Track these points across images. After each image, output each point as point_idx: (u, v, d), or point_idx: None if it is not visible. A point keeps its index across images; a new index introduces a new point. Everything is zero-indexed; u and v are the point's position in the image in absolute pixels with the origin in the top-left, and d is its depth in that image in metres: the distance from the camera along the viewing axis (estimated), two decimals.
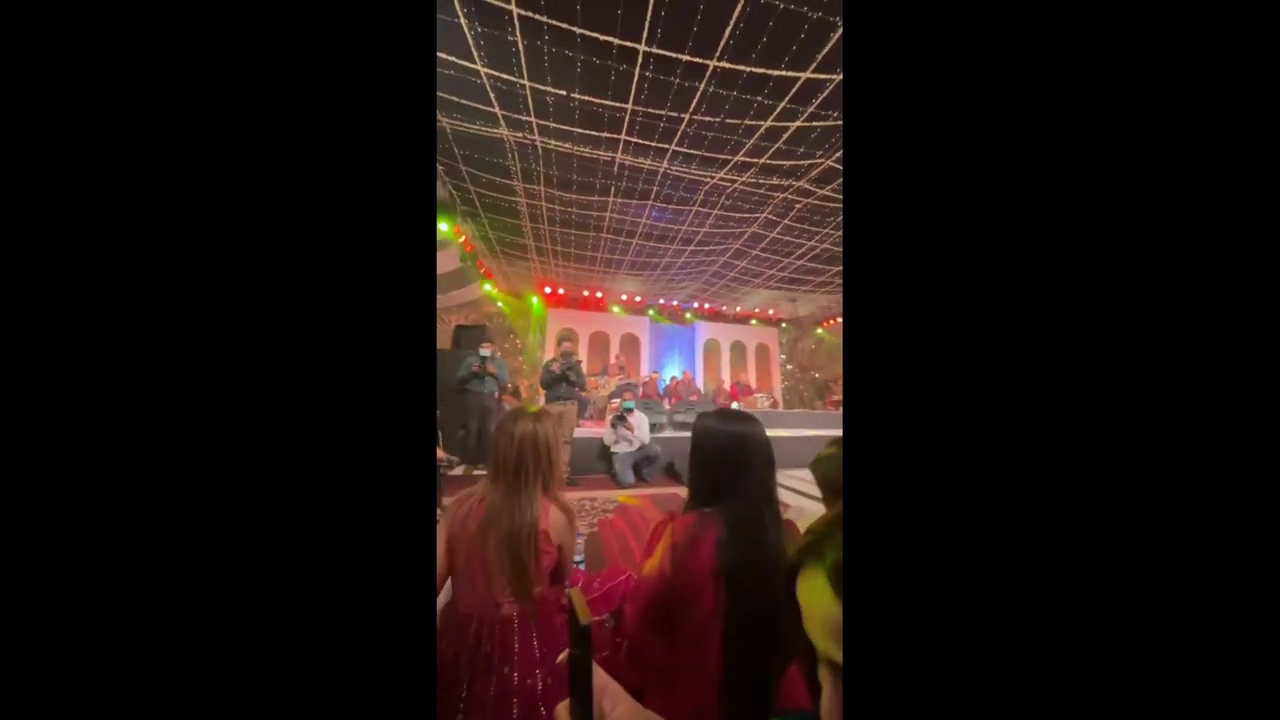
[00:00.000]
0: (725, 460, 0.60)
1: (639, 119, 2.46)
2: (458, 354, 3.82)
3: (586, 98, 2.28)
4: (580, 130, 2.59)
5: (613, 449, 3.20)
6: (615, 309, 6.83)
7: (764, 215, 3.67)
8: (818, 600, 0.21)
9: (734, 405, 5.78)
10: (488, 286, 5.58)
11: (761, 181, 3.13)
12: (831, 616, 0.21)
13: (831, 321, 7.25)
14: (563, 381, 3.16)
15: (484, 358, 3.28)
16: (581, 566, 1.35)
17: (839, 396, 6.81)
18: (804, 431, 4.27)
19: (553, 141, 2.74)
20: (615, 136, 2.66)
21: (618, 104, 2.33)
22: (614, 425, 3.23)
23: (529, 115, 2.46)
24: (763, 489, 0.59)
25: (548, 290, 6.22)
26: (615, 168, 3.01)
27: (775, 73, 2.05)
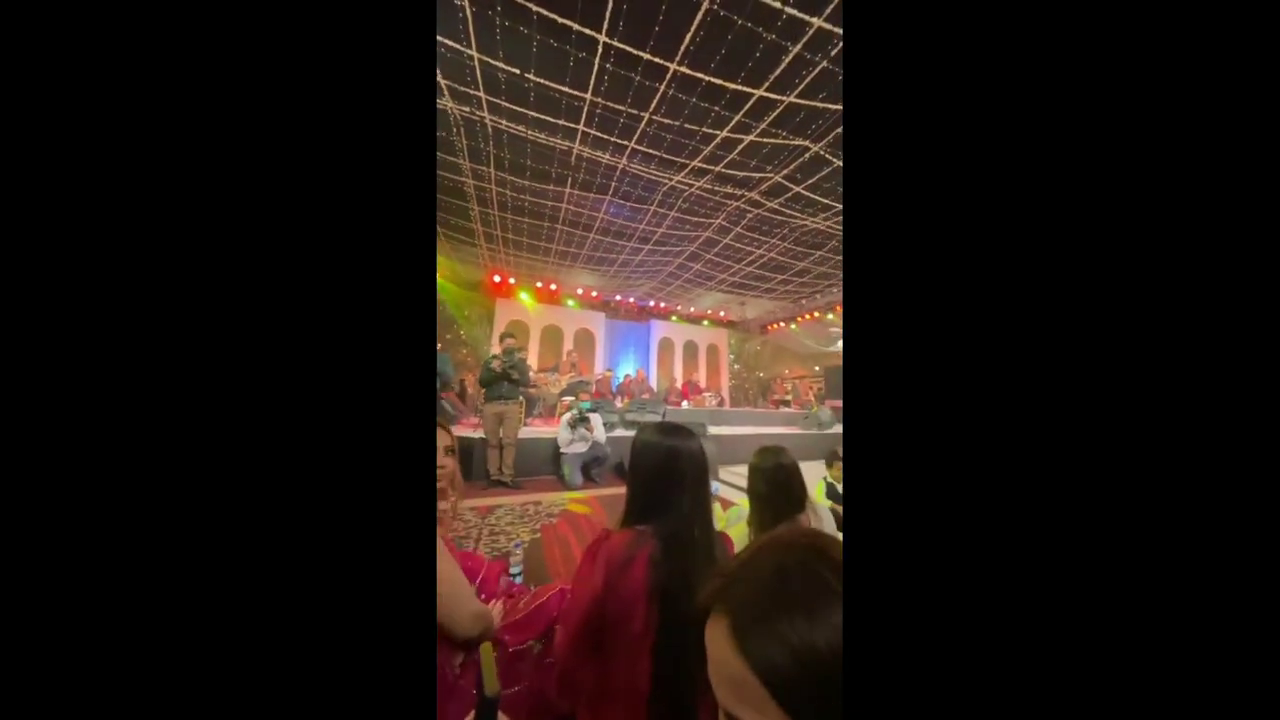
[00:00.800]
0: (660, 475, 0.59)
1: (598, 111, 2.40)
2: None
3: (542, 81, 2.17)
4: (535, 114, 2.46)
5: (564, 450, 3.10)
6: (570, 302, 6.66)
7: (718, 221, 3.80)
8: (718, 651, 0.20)
9: (684, 403, 5.94)
10: None
11: (716, 189, 3.23)
12: (728, 671, 0.19)
13: (774, 326, 7.76)
14: (504, 380, 2.99)
15: None
16: (518, 579, 1.28)
17: (779, 395, 7.34)
18: (748, 429, 4.52)
19: (504, 122, 2.57)
20: (573, 126, 2.56)
21: (576, 92, 2.25)
22: (573, 426, 3.11)
23: (477, 90, 2.28)
24: (696, 503, 0.59)
25: (497, 279, 5.88)
26: (573, 158, 2.92)
27: (731, 85, 2.12)
